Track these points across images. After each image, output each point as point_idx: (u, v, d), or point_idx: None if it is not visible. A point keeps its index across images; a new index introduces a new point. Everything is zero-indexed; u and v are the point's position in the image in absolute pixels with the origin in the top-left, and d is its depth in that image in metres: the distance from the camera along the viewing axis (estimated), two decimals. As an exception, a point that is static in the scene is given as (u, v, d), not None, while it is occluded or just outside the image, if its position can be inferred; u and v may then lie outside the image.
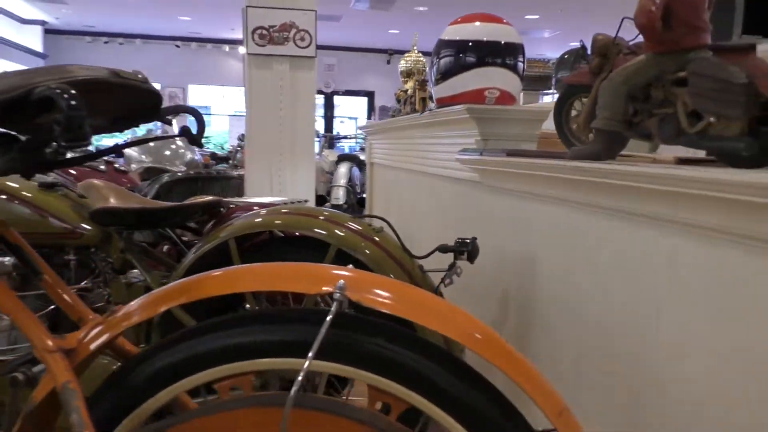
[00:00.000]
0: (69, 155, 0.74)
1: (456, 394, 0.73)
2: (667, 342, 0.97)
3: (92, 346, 0.78)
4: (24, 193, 1.78)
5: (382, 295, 0.74)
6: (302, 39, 4.24)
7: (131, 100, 0.82)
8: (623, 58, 1.15)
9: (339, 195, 4.98)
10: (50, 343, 0.77)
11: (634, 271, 1.04)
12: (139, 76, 0.77)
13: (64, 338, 0.79)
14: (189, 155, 4.17)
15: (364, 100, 12.93)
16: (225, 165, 6.66)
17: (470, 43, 1.84)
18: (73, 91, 0.61)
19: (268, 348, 0.74)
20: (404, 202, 2.77)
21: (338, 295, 0.72)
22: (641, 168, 0.99)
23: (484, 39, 1.84)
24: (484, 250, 1.70)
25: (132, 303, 0.80)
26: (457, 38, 1.88)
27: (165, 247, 1.99)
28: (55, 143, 0.62)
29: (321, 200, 5.12)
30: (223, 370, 0.76)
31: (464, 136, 1.80)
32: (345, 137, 8.37)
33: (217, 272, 0.80)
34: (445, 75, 1.89)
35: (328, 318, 0.72)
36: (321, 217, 1.57)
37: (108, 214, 1.58)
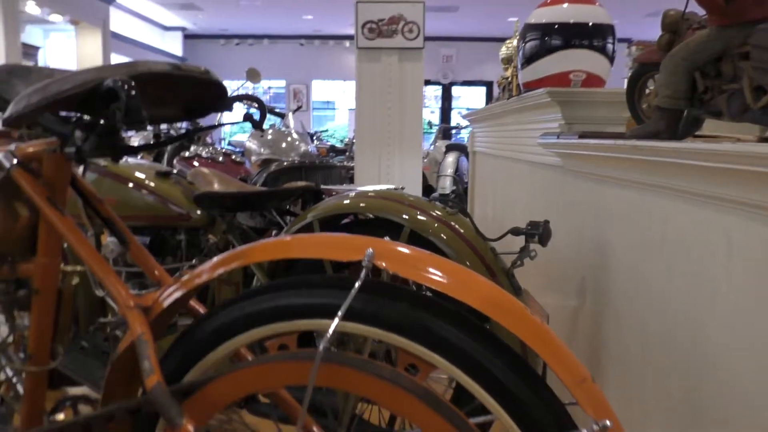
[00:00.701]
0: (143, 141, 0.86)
1: (478, 359, 0.76)
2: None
3: (165, 304, 0.90)
4: (147, 181, 2.01)
5: (407, 263, 0.79)
6: (410, 31, 4.32)
7: (198, 92, 0.92)
8: (693, 33, 1.10)
9: (446, 184, 5.02)
10: (131, 301, 0.91)
11: (703, 257, 1.00)
12: (201, 68, 0.88)
13: (142, 297, 0.92)
14: (303, 147, 4.39)
15: (482, 90, 12.80)
16: (342, 157, 6.92)
17: (556, 26, 1.81)
18: (132, 83, 0.72)
19: (305, 310, 0.82)
20: (498, 189, 2.77)
21: (366, 262, 0.79)
22: (711, 146, 0.95)
23: (571, 21, 1.80)
24: (562, 234, 1.68)
25: (197, 269, 0.91)
26: (543, 21, 1.85)
27: (274, 232, 2.15)
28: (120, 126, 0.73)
29: (430, 190, 5.18)
30: (268, 329, 0.85)
31: (549, 121, 1.78)
32: (458, 128, 8.36)
33: (270, 240, 0.89)
34: (530, 59, 1.88)
35: (356, 284, 0.78)
36: (402, 202, 1.64)
37: (208, 198, 1.75)
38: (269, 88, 12.90)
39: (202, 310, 1.02)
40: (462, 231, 1.51)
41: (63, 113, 0.88)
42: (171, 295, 0.90)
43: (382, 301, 0.79)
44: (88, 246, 0.94)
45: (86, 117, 0.83)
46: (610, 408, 0.74)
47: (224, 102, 0.96)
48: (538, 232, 1.39)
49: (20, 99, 0.80)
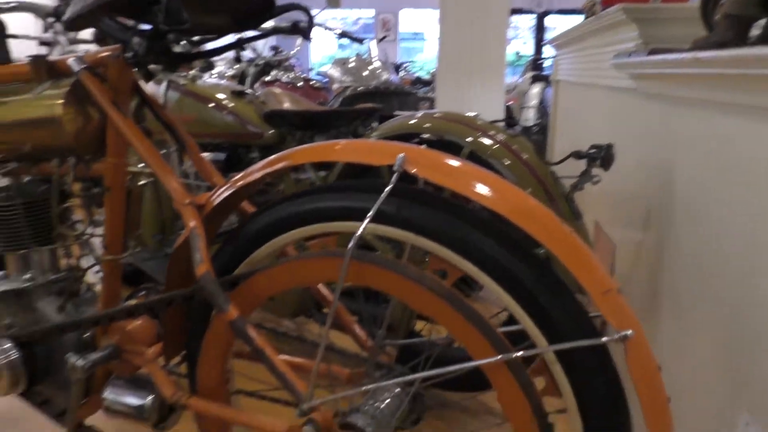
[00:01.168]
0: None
1: (504, 265, 0.78)
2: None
3: (216, 202, 0.96)
4: (223, 100, 2.09)
5: (437, 169, 0.80)
6: (498, -45, 4.13)
7: (244, 1, 0.95)
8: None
9: (529, 116, 4.86)
10: (186, 199, 0.98)
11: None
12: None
13: (197, 196, 0.99)
14: (385, 76, 4.37)
15: (579, 19, 12.05)
16: (426, 88, 6.83)
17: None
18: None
19: (341, 213, 0.86)
20: (577, 117, 2.66)
21: (397, 167, 0.80)
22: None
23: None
24: (632, 161, 1.61)
25: (245, 171, 0.96)
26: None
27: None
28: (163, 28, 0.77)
29: (510, 122, 5.03)
30: (307, 230, 0.89)
31: (625, 41, 1.68)
32: (546, 58, 7.95)
33: (312, 144, 0.92)
34: (611, -25, 1.76)
35: (387, 188, 0.81)
36: (465, 123, 1.62)
37: (276, 116, 1.81)
38: (358, 18, 12.74)
39: (249, 209, 1.08)
40: (522, 154, 1.49)
41: (123, 21, 0.94)
42: (221, 194, 0.96)
43: (411, 205, 0.81)
44: (149, 146, 1.01)
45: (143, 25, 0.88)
46: (635, 318, 0.74)
47: (271, 11, 0.98)
48: (599, 156, 1.35)
49: (77, 1, 0.85)
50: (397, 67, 7.19)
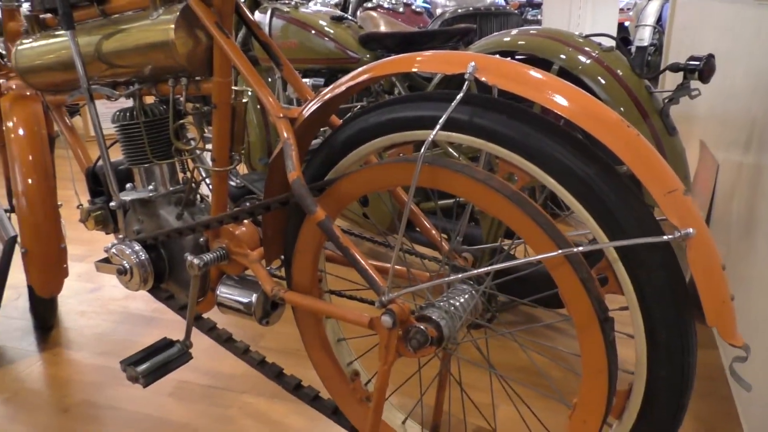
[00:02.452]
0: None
1: (569, 167, 0.80)
2: None
3: (306, 114, 1.04)
4: (323, 26, 2.17)
5: (506, 76, 0.83)
6: None
7: None
8: None
9: (644, 36, 4.53)
10: (280, 112, 1.07)
11: None
12: None
13: (290, 110, 1.08)
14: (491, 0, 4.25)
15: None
16: (536, 11, 6.53)
17: None
18: None
19: (417, 121, 0.91)
20: (695, 35, 2.48)
21: (468, 75, 0.84)
22: None
23: None
24: (739, 74, 1.52)
25: (332, 85, 1.03)
26: None
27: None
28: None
29: (627, 43, 4.73)
30: (386, 139, 0.96)
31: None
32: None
33: (393, 58, 0.97)
34: None
35: (458, 96, 0.85)
36: (558, 40, 1.59)
37: (371, 39, 1.86)
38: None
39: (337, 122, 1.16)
40: (614, 68, 1.45)
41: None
42: (311, 107, 1.04)
43: (482, 112, 0.85)
44: (249, 66, 1.10)
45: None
46: (698, 218, 0.75)
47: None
48: (697, 67, 1.30)
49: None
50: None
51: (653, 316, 0.79)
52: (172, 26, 1.14)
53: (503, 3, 4.80)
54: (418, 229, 1.20)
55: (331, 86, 1.02)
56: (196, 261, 1.20)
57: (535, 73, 0.83)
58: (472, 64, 0.84)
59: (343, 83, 0.99)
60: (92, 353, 1.83)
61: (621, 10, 5.89)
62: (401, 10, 3.26)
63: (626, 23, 5.53)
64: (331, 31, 2.15)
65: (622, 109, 1.45)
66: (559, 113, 0.79)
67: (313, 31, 2.19)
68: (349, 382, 1.19)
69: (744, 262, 1.39)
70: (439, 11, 4.10)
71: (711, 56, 1.30)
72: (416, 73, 2.12)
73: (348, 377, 1.20)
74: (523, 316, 1.95)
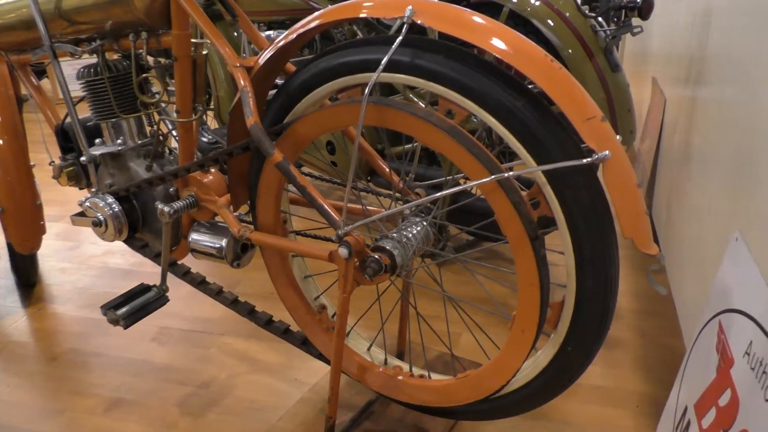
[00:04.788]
0: None
1: (500, 100, 0.87)
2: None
3: (261, 62, 1.09)
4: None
5: (442, 17, 0.89)
6: None
7: None
8: None
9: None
10: (237, 62, 1.12)
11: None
12: None
13: (245, 59, 1.13)
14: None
15: None
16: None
17: None
18: None
19: (362, 65, 0.97)
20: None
21: (406, 18, 0.90)
22: None
23: None
24: (680, 13, 1.58)
25: (285, 33, 1.08)
26: None
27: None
28: None
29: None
30: (337, 83, 1.01)
31: None
32: None
33: (340, 4, 1.02)
34: None
35: (398, 39, 0.91)
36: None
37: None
38: None
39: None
40: (561, 8, 1.51)
41: None
42: (266, 55, 1.09)
43: (421, 54, 0.91)
44: (204, 17, 1.15)
45: None
46: (615, 141, 0.83)
47: None
48: (637, 4, 1.36)
49: None
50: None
51: (579, 232, 0.87)
52: (129, -20, 1.17)
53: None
54: (375, 169, 1.28)
55: (284, 34, 1.08)
56: (166, 209, 1.26)
57: (470, 16, 0.89)
58: (410, 7, 0.90)
59: (295, 30, 1.05)
60: (75, 306, 1.90)
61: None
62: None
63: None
64: None
65: (570, 51, 1.51)
66: (488, 51, 0.86)
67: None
68: (316, 315, 1.28)
69: (682, 187, 1.48)
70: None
71: (649, -7, 1.36)
72: (379, 21, 2.16)
73: (315, 311, 1.29)
74: (487, 252, 2.05)
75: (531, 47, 0.86)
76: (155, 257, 1.46)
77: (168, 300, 1.38)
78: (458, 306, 1.44)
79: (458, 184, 1.09)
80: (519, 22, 1.56)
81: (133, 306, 1.33)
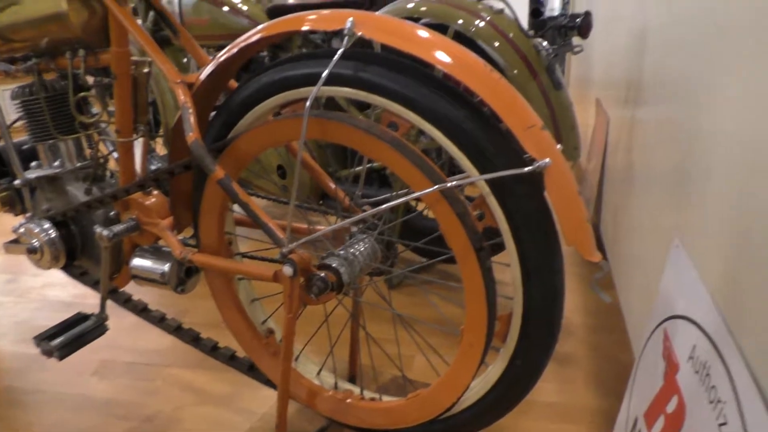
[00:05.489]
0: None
1: (442, 111, 0.87)
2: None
3: (202, 77, 1.07)
4: (238, 4, 2.18)
5: (382, 29, 0.89)
6: None
7: None
8: None
9: (555, 5, 4.71)
10: (177, 78, 1.09)
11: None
12: None
13: (187, 76, 1.10)
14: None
15: None
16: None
17: None
18: None
19: (303, 79, 0.96)
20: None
21: (347, 30, 0.90)
22: None
23: None
24: (627, 38, 1.63)
25: (226, 48, 1.06)
26: None
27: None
28: None
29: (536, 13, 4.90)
30: (279, 98, 1.00)
31: None
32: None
33: (281, 18, 1.01)
34: None
35: (339, 51, 0.90)
36: (456, 6, 1.67)
37: (277, 10, 1.88)
38: None
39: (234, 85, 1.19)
40: (503, 29, 1.53)
41: None
42: (208, 71, 1.07)
43: (363, 66, 0.91)
44: (144, 33, 1.12)
45: None
46: (555, 149, 0.83)
47: None
48: (575, 24, 1.39)
49: None
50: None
51: (524, 241, 0.87)
52: (65, -3, 1.14)
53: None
54: (322, 187, 1.26)
55: (225, 49, 1.06)
56: (105, 232, 1.21)
57: (412, 28, 0.89)
58: (350, 19, 0.89)
59: (236, 45, 1.03)
60: (12, 341, 1.80)
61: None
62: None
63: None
64: (244, 8, 2.16)
65: (515, 71, 1.54)
66: (430, 62, 0.86)
67: (225, 8, 2.20)
68: (263, 339, 1.24)
69: (626, 203, 1.51)
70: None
71: (588, 13, 1.40)
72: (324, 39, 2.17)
73: (263, 335, 1.25)
74: (439, 274, 2.04)
75: (472, 58, 0.86)
76: (95, 285, 1.40)
77: (107, 329, 1.31)
78: (409, 326, 1.42)
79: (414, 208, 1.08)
80: (464, 42, 1.58)
81: (68, 336, 1.27)
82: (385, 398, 1.16)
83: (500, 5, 1.61)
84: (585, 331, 1.68)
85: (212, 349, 1.26)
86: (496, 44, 1.56)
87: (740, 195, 0.74)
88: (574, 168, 1.92)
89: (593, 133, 2.10)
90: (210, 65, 1.07)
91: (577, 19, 1.39)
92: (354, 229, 1.13)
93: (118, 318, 1.37)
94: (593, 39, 2.35)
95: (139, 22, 2.15)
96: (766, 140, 0.67)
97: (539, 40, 1.49)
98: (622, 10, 1.78)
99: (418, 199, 0.90)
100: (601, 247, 1.89)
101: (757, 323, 0.68)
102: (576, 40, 1.49)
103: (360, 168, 1.89)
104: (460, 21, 1.63)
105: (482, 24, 1.57)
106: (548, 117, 1.49)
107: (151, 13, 2.30)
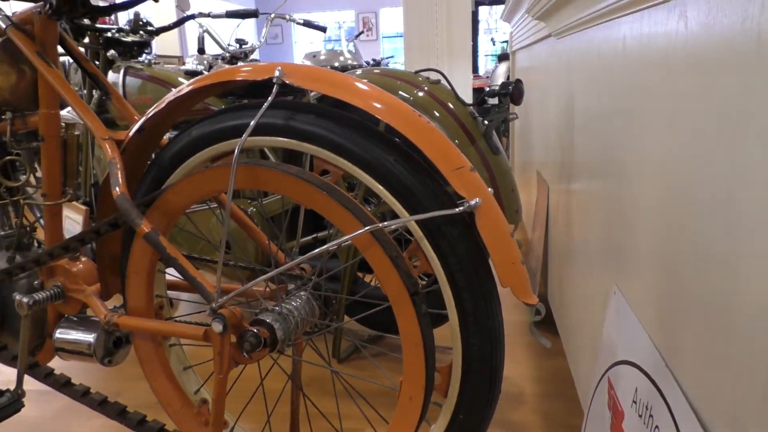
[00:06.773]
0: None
1: (372, 157, 0.87)
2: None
3: (131, 134, 1.05)
4: (178, 81, 2.20)
5: (310, 77, 0.90)
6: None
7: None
8: None
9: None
10: (106, 134, 1.07)
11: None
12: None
13: (116, 133, 1.08)
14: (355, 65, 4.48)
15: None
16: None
17: None
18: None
19: (233, 130, 0.95)
20: (528, 76, 2.77)
21: (276, 79, 0.90)
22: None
23: None
24: (557, 105, 1.71)
25: (157, 102, 1.05)
26: None
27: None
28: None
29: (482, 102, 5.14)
30: (210, 151, 0.99)
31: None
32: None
33: (213, 72, 1.01)
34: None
35: (267, 101, 0.90)
36: (395, 77, 1.72)
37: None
38: (343, 22, 12.87)
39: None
40: (441, 98, 1.58)
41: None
42: (138, 126, 1.06)
43: (292, 114, 0.91)
44: (73, 93, 1.11)
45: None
46: (485, 189, 0.83)
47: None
48: (508, 92, 1.45)
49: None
50: (378, 63, 7.29)
51: (459, 285, 0.85)
52: (-7, 60, 1.13)
53: (367, 62, 5.06)
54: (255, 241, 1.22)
55: (155, 104, 1.05)
56: (25, 300, 1.14)
57: (340, 76, 0.90)
58: (279, 68, 0.90)
59: (166, 99, 1.03)
60: None
61: (478, 76, 6.41)
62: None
63: (486, 88, 6.05)
64: (172, 78, 2.20)
65: (457, 141, 1.58)
66: (358, 107, 0.87)
67: (172, 88, 2.22)
68: (193, 408, 1.15)
69: (569, 269, 1.52)
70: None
71: (519, 81, 1.46)
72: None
73: (195, 405, 1.17)
74: (390, 346, 1.98)
75: (399, 104, 0.87)
76: (12, 360, 1.30)
77: (23, 405, 1.21)
78: (349, 385, 1.35)
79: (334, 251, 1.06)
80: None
81: (-23, 414, 1.16)
82: (325, 470, 1.08)
83: (437, 77, 1.67)
84: (537, 399, 1.64)
85: (138, 424, 1.16)
86: (436, 113, 1.60)
87: (666, 241, 0.74)
88: (516, 231, 1.93)
89: (536, 202, 2.14)
90: (140, 121, 1.06)
91: (509, 87, 1.45)
92: (291, 286, 1.09)
93: (44, 402, 1.25)
94: (531, 111, 2.45)
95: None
96: (677, 199, 0.69)
97: (472, 108, 1.54)
98: (550, 82, 1.87)
99: (350, 244, 0.87)
100: (550, 317, 1.88)
101: (691, 357, 0.67)
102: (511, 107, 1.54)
103: (306, 238, 1.86)
104: (401, 92, 1.67)
105: (421, 94, 1.62)
106: (488, 180, 1.51)
107: (96, 94, 2.31)
